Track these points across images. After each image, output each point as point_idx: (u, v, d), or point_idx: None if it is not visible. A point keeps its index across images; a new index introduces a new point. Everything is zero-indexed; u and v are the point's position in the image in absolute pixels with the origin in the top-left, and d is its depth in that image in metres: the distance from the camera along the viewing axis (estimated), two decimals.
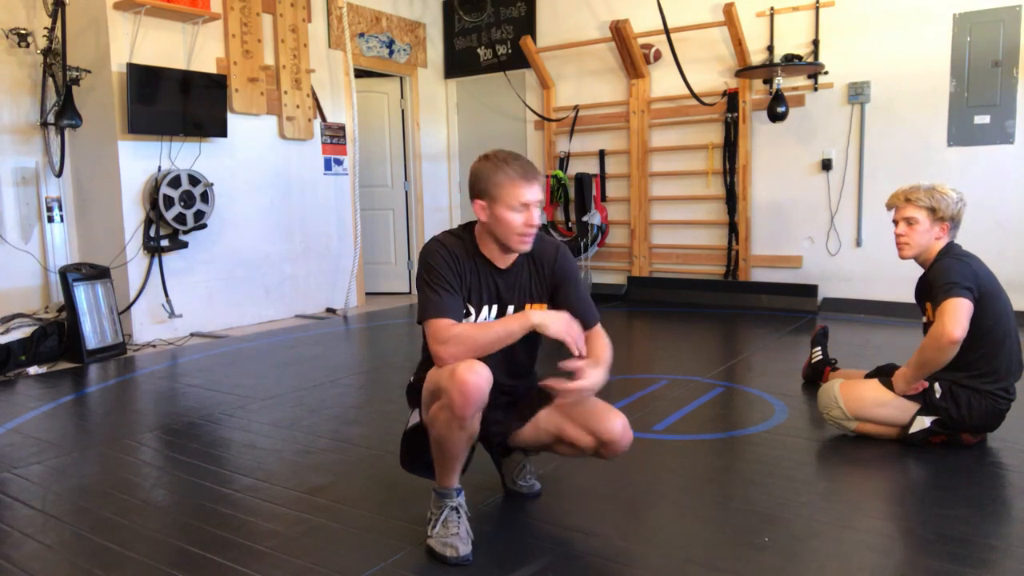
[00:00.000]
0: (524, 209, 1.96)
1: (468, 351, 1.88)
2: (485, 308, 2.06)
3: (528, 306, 2.10)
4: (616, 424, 2.01)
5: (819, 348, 3.57)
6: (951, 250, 2.65)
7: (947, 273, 2.55)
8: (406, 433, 2.13)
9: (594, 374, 1.92)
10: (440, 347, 1.89)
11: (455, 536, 1.95)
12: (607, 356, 2.03)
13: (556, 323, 1.92)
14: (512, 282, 2.08)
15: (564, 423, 2.08)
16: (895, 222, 2.73)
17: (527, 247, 2.03)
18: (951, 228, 2.67)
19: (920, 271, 2.75)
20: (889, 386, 2.67)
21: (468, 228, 2.09)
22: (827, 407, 2.78)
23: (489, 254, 2.05)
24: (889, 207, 2.76)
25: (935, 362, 2.53)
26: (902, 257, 2.74)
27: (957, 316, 2.45)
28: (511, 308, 2.08)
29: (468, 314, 2.03)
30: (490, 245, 2.04)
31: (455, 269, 1.99)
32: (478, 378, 1.82)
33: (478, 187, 1.99)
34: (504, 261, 2.06)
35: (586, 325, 2.06)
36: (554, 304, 2.11)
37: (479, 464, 2.53)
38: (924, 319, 2.71)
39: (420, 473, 2.14)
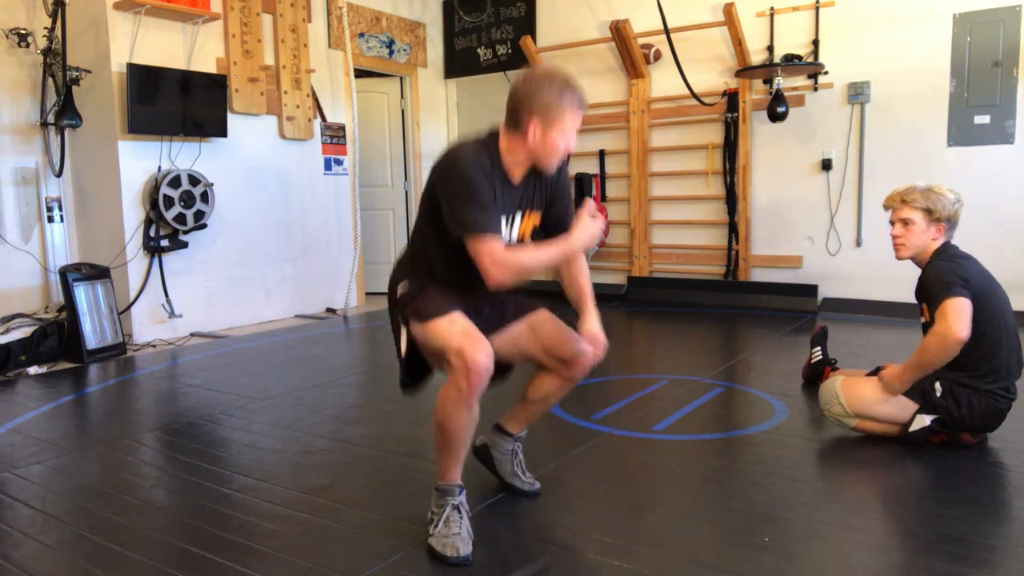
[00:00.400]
0: (571, 134, 2.02)
1: (517, 278, 1.97)
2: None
3: (527, 214, 2.16)
4: (576, 345, 2.15)
5: (819, 348, 3.58)
6: (946, 251, 2.65)
7: (940, 274, 2.56)
8: (405, 354, 2.12)
9: (597, 339, 2.15)
10: (495, 269, 1.92)
11: (456, 536, 1.95)
12: (588, 285, 2.24)
13: (587, 242, 2.05)
14: (519, 195, 2.11)
15: (535, 347, 2.20)
16: (891, 223, 2.73)
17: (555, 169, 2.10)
18: (948, 229, 2.68)
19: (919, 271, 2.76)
20: None
21: (492, 142, 2.05)
22: (828, 403, 2.78)
23: (508, 169, 2.05)
24: (886, 208, 2.77)
25: (937, 362, 2.54)
26: (898, 258, 2.75)
27: (961, 315, 2.46)
28: (518, 217, 2.13)
29: None
30: (516, 159, 2.04)
31: (490, 183, 1.98)
32: (486, 357, 1.88)
33: (534, 106, 1.95)
34: (517, 177, 2.08)
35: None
36: (548, 214, 2.22)
37: (477, 464, 2.53)
38: (923, 319, 2.71)
39: (422, 385, 2.21)
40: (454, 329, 1.94)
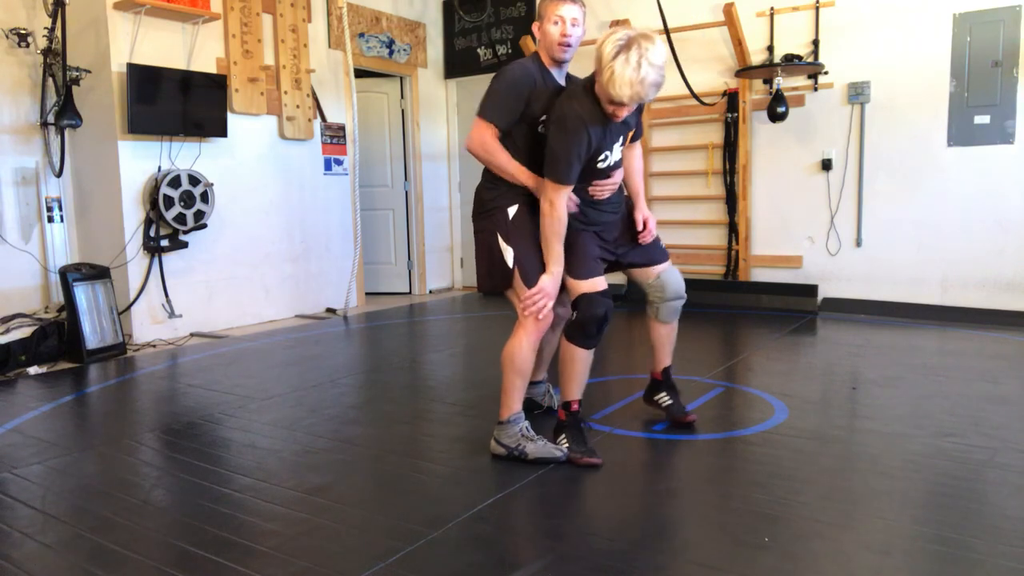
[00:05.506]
0: (560, 23, 2.56)
1: (480, 156, 2.64)
2: None
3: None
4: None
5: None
6: None
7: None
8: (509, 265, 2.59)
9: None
10: (471, 143, 2.62)
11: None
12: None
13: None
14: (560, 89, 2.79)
15: None
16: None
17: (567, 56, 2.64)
18: None
19: None
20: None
21: (536, 57, 2.69)
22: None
23: (548, 68, 2.71)
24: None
25: None
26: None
27: None
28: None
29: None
30: (546, 58, 2.68)
31: (532, 80, 2.63)
32: (546, 322, 2.59)
33: (537, 12, 2.82)
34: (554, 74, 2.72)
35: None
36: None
37: (477, 464, 2.53)
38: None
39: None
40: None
